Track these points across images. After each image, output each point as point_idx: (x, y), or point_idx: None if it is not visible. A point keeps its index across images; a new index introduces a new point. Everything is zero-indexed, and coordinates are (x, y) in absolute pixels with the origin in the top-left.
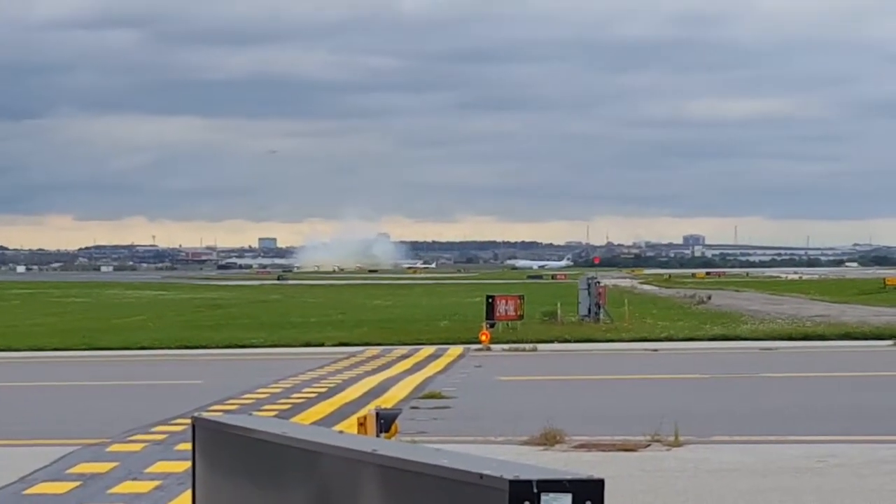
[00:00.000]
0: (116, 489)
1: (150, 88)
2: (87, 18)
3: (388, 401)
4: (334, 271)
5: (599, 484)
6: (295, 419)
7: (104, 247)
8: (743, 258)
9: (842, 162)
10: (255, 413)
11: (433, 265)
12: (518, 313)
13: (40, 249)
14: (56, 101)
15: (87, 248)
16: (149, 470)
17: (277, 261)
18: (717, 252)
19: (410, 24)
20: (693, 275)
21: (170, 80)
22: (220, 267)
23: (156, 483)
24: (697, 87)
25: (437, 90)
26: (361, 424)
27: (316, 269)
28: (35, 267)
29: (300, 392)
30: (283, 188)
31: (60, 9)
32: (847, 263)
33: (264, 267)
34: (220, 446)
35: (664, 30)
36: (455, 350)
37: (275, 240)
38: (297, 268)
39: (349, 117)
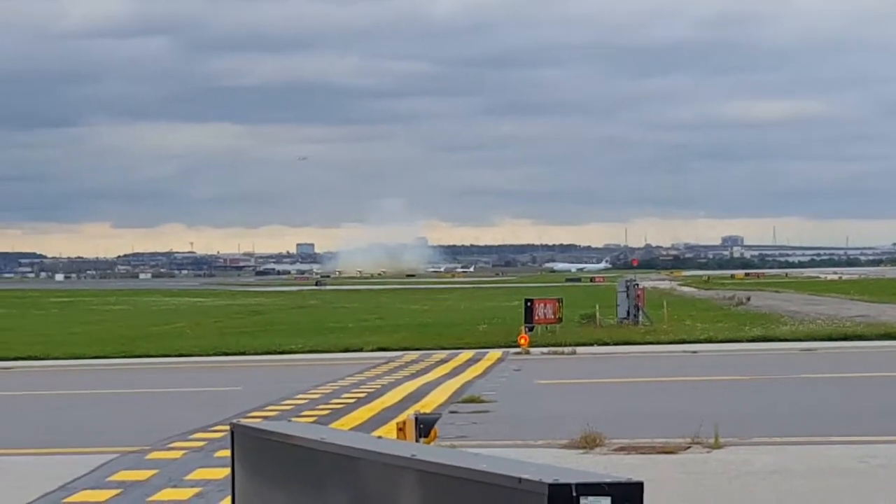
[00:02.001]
0: (156, 497)
1: (180, 96)
2: (116, 27)
3: (427, 405)
4: (373, 276)
5: (639, 487)
6: (334, 425)
7: (142, 254)
8: (782, 259)
9: (879, 161)
10: (294, 419)
11: (471, 269)
12: (557, 316)
13: (78, 257)
14: (86, 110)
15: (125, 256)
16: (188, 477)
17: (315, 266)
18: (755, 253)
19: (439, 30)
20: (732, 276)
21: (201, 87)
22: (258, 273)
23: (196, 490)
24: (727, 89)
25: (466, 95)
26: (401, 429)
27: (359, 273)
28: (73, 275)
29: (339, 397)
30: (319, 193)
31: (90, 16)
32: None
33: (302, 272)
34: (259, 453)
35: (690, 32)
36: (494, 354)
37: (312, 245)
38: (339, 272)
39: (380, 122)
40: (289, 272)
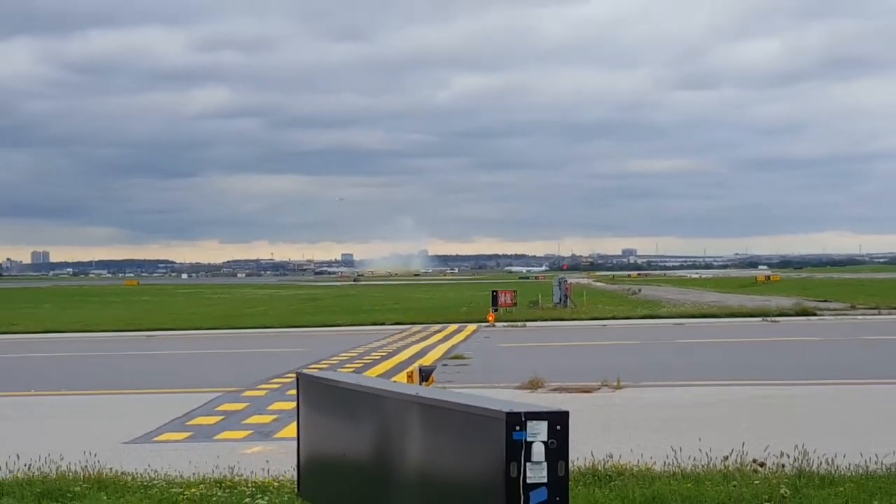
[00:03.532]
0: (248, 420)
1: (266, 156)
2: (223, 111)
3: (427, 360)
4: (391, 275)
5: (566, 414)
6: (365, 373)
7: (239, 261)
8: (662, 264)
9: (728, 200)
10: (338, 369)
11: (456, 270)
12: (513, 302)
13: (197, 263)
14: (204, 165)
15: (227, 262)
16: (269, 408)
17: (354, 269)
18: (644, 260)
19: (440, 113)
20: (629, 275)
21: (281, 151)
22: (316, 273)
23: (274, 416)
24: (632, 151)
25: (458, 156)
26: (409, 376)
27: (389, 273)
28: (193, 274)
29: (369, 355)
30: (357, 220)
31: (207, 104)
32: (760, 267)
33: (344, 273)
34: (315, 392)
35: (611, 114)
36: (472, 327)
37: (352, 254)
38: (372, 272)
39: (399, 174)
40: (336, 272)
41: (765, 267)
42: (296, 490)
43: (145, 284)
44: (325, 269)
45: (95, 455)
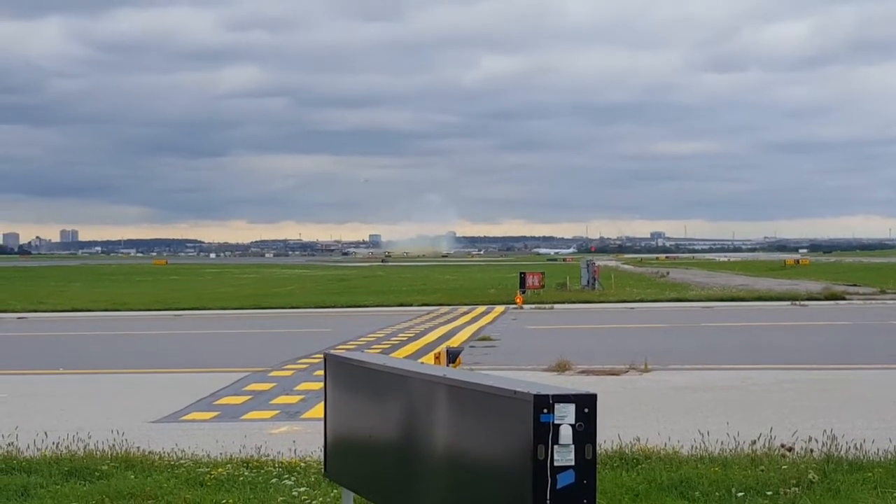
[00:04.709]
0: (275, 400)
1: (294, 136)
2: (251, 90)
3: (454, 342)
4: (419, 256)
5: (593, 397)
6: (392, 354)
7: (267, 241)
8: (690, 247)
9: (755, 183)
10: (365, 350)
11: (482, 252)
12: (541, 284)
13: (225, 243)
14: (232, 145)
15: (255, 242)
16: (297, 388)
17: (382, 249)
18: (672, 243)
19: (466, 95)
20: (657, 258)
21: (308, 131)
22: (343, 254)
23: (301, 397)
24: (657, 134)
25: (484, 137)
26: (437, 357)
27: (422, 256)
28: (221, 254)
29: (396, 336)
30: (384, 201)
31: (235, 84)
32: (800, 251)
33: (372, 253)
34: (342, 372)
35: (635, 96)
36: (499, 308)
37: (379, 235)
38: (406, 252)
39: (426, 155)
40: (354, 252)
41: (804, 250)
42: (322, 470)
43: (174, 264)
44: (352, 249)
45: (123, 434)
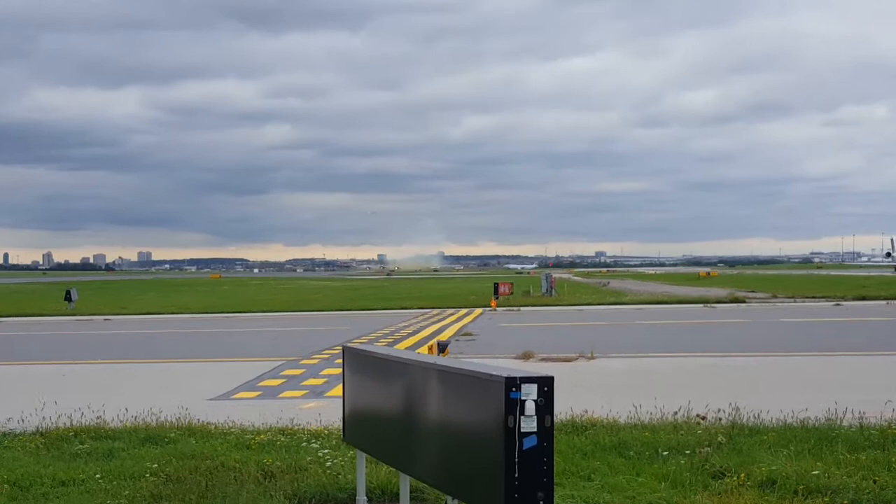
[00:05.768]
0: (305, 383)
1: (319, 178)
2: (286, 143)
3: (443, 336)
4: (415, 271)
5: (551, 379)
6: (395, 346)
7: (298, 259)
8: (625, 262)
9: (674, 213)
10: (374, 343)
11: (462, 268)
12: (510, 291)
13: (266, 261)
14: (272, 185)
15: (290, 260)
16: (322, 373)
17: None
18: (612, 259)
19: (453, 146)
20: (600, 271)
21: (331, 174)
22: (345, 266)
23: (324, 380)
24: (600, 175)
25: (466, 179)
26: (430, 348)
27: (416, 270)
28: (263, 269)
29: (398, 332)
30: (388, 229)
31: (274, 138)
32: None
33: (368, 268)
34: (356, 360)
35: (584, 146)
36: (478, 311)
37: (385, 255)
38: (396, 267)
39: (421, 192)
40: (362, 268)
41: (722, 265)
42: (342, 436)
43: (226, 277)
44: (365, 266)
45: (186, 409)
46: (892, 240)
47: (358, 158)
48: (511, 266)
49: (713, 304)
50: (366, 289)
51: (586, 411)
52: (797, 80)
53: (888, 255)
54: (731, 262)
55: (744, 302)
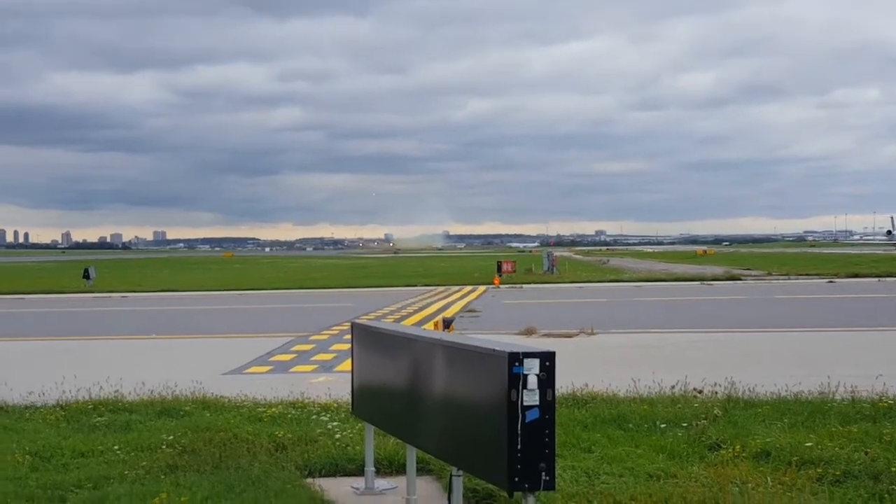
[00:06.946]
0: (315, 357)
1: (327, 160)
2: (295, 126)
3: (448, 313)
4: (421, 250)
5: (553, 354)
6: (401, 322)
7: (307, 238)
8: (624, 241)
9: (671, 193)
10: (382, 319)
11: (463, 246)
12: (513, 269)
13: (276, 240)
14: (281, 167)
15: (299, 239)
16: (331, 348)
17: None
18: (611, 238)
19: (456, 128)
20: (600, 250)
21: (338, 156)
22: (348, 246)
23: (334, 355)
24: (596, 157)
25: (469, 160)
26: (436, 324)
27: (421, 249)
28: (273, 248)
29: (405, 309)
30: (396, 208)
31: (283, 121)
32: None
33: (377, 244)
34: (364, 336)
35: (579, 128)
36: (482, 288)
37: (392, 234)
38: (393, 244)
39: (425, 173)
40: (361, 246)
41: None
42: (350, 409)
43: (238, 256)
44: (373, 244)
45: (200, 383)
46: (892, 218)
47: (364, 140)
48: (514, 245)
49: (710, 282)
50: (373, 266)
51: (586, 385)
52: (791, 64)
53: (889, 233)
54: (727, 241)
55: (739, 279)
